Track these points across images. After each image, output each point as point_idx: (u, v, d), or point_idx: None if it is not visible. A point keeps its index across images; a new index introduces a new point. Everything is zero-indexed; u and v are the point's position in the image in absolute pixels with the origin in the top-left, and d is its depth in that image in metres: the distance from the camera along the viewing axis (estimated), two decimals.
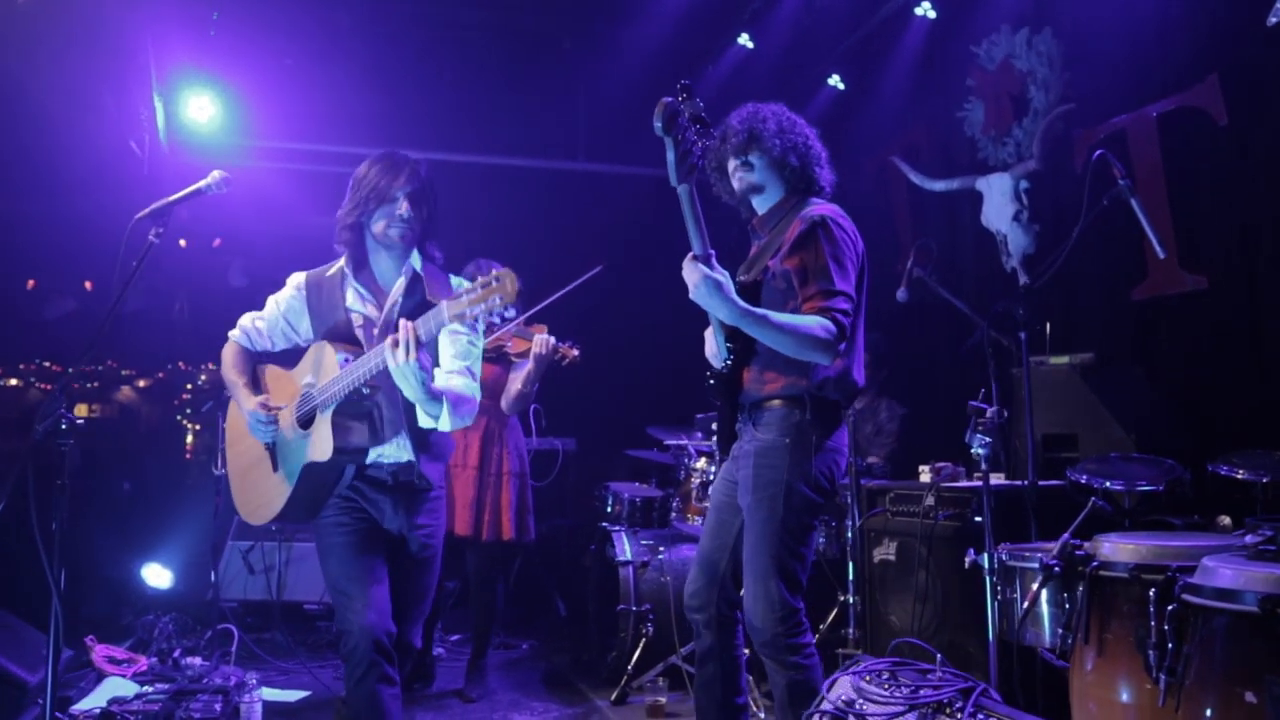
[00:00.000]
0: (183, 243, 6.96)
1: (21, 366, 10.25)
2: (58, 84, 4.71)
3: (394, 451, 2.69)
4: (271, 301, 2.88)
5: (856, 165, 5.85)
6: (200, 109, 5.79)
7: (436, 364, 2.70)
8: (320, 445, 2.57)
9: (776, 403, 2.64)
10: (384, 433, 2.67)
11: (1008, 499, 3.19)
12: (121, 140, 5.04)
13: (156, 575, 5.42)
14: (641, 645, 4.27)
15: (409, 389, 2.48)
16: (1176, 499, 2.97)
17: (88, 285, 7.07)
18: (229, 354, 2.88)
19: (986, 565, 2.55)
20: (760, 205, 2.81)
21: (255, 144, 6.17)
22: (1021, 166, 4.61)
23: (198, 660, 4.74)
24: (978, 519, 3.25)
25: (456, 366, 2.69)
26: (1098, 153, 2.88)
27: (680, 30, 6.03)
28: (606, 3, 6.12)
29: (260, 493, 2.79)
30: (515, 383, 4.19)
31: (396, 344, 2.39)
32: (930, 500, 3.42)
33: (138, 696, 3.95)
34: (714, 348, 2.73)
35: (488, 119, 6.58)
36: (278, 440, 2.74)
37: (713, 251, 2.45)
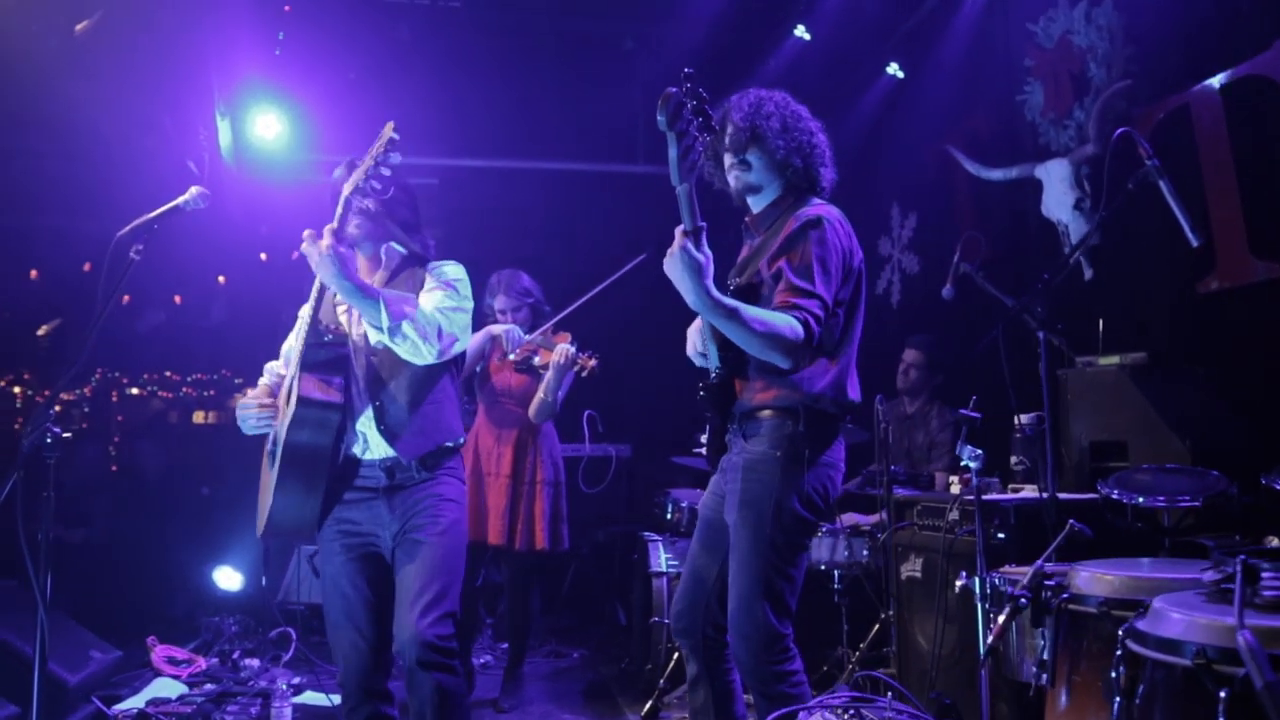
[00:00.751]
0: (264, 256, 7.21)
1: (145, 376, 10.91)
2: (122, 106, 4.92)
3: (376, 440, 2.67)
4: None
5: (919, 156, 5.55)
6: (267, 126, 5.96)
7: None
8: (290, 401, 2.56)
9: (768, 413, 2.48)
10: (359, 397, 2.66)
11: (1032, 515, 2.92)
12: (181, 159, 5.23)
13: (227, 578, 5.61)
14: (674, 659, 4.13)
15: (336, 282, 2.50)
16: (1221, 516, 2.64)
17: (177, 299, 7.42)
18: None
19: (977, 590, 2.31)
20: (755, 204, 2.63)
21: (320, 158, 6.30)
22: (1081, 151, 4.23)
23: (256, 662, 4.88)
24: (1001, 535, 3.00)
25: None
26: (1119, 130, 2.60)
27: (736, 26, 5.88)
28: (663, 2, 6.00)
29: (263, 498, 2.75)
30: (538, 392, 4.15)
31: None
32: (954, 514, 3.16)
33: (179, 698, 4.08)
34: (695, 345, 2.60)
35: (548, 125, 6.55)
36: (275, 435, 2.73)
37: (704, 226, 2.31)
